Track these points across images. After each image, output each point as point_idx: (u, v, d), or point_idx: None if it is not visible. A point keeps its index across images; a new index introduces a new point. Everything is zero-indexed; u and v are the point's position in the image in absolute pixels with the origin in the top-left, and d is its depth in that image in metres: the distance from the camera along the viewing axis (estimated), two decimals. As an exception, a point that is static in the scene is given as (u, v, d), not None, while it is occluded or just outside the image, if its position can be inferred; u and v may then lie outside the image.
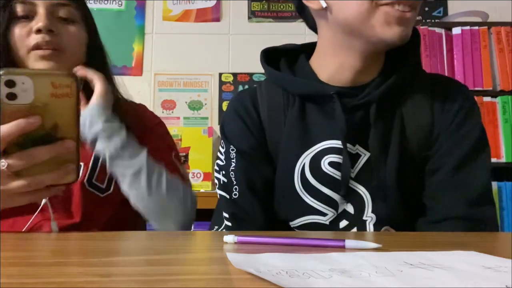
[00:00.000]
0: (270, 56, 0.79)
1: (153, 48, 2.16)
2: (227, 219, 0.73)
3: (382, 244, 0.42)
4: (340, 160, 0.69)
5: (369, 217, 0.70)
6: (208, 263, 0.39)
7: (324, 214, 0.70)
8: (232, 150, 0.75)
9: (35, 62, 0.76)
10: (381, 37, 0.65)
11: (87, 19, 0.84)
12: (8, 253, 0.41)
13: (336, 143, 0.70)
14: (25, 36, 0.76)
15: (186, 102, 2.12)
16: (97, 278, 0.30)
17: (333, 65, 0.72)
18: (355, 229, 0.69)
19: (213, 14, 2.17)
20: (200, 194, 1.73)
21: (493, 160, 1.78)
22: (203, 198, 1.69)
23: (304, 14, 0.77)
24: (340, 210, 0.70)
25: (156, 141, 0.87)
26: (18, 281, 0.29)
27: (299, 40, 0.85)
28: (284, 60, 0.78)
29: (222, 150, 0.77)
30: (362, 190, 0.70)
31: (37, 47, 0.76)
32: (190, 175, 1.86)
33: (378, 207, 0.69)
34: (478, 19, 1.93)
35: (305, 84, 0.73)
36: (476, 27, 1.85)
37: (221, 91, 2.13)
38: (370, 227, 0.69)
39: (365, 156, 0.70)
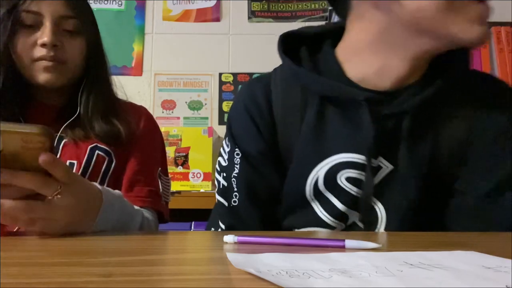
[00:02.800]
0: (289, 42, 0.68)
1: (153, 48, 2.16)
2: (223, 230, 0.67)
3: (382, 244, 0.42)
4: (359, 176, 0.62)
5: None
6: (208, 263, 0.38)
7: (332, 228, 0.64)
8: (238, 154, 0.68)
9: (38, 73, 0.78)
10: (461, 36, 0.55)
11: (91, 30, 0.84)
12: (8, 253, 0.41)
13: (357, 158, 0.61)
14: (30, 47, 0.77)
15: (186, 102, 2.12)
16: (97, 278, 0.30)
17: (372, 65, 0.62)
18: None
19: (213, 14, 2.17)
20: (200, 194, 1.75)
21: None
22: (203, 198, 1.70)
23: (337, 1, 0.68)
24: (349, 222, 0.64)
25: (144, 153, 0.87)
26: (18, 281, 0.29)
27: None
28: (305, 49, 0.68)
29: (227, 149, 0.70)
30: (377, 205, 0.63)
31: (41, 59, 0.77)
32: (190, 175, 1.86)
33: (393, 225, 0.62)
34: (478, 19, 1.92)
35: (329, 85, 0.62)
36: (476, 27, 1.85)
37: (221, 91, 2.13)
38: None
39: (386, 169, 0.62)
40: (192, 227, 1.68)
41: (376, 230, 0.64)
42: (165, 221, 0.88)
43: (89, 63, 0.84)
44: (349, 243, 0.43)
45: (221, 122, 2.11)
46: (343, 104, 0.63)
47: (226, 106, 2.12)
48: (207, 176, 1.87)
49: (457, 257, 0.37)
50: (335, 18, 1.81)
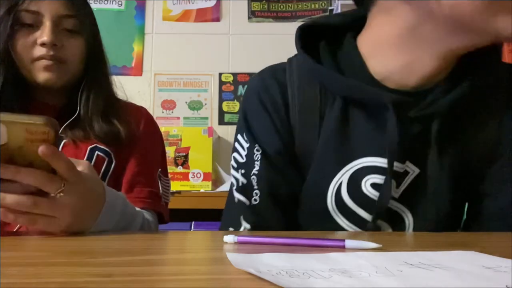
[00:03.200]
0: (306, 35, 0.64)
1: (153, 48, 2.16)
2: (249, 230, 0.64)
3: (382, 244, 0.42)
4: (383, 181, 0.58)
5: None
6: (208, 263, 0.38)
7: None
8: (258, 150, 0.64)
9: (38, 72, 0.78)
10: (505, 32, 0.50)
11: (91, 29, 0.84)
12: (8, 253, 0.41)
13: (383, 162, 0.58)
14: (30, 47, 0.77)
15: (186, 102, 2.12)
16: (97, 278, 0.30)
17: (398, 61, 0.58)
18: None
19: (213, 14, 2.17)
20: (200, 194, 1.75)
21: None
22: (203, 198, 1.70)
23: None
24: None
25: (144, 154, 0.87)
26: (18, 281, 0.29)
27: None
28: (324, 43, 0.63)
29: (245, 145, 0.66)
30: (404, 211, 0.60)
31: (41, 58, 0.77)
32: (190, 175, 1.86)
33: (419, 230, 0.60)
34: (478, 19, 1.92)
35: (353, 86, 0.59)
36: (476, 27, 1.84)
37: (221, 91, 2.13)
38: None
39: (413, 173, 0.59)
40: (192, 227, 1.68)
41: None
42: (165, 222, 0.88)
43: (89, 63, 0.84)
44: (349, 243, 0.43)
45: (221, 122, 2.11)
46: (367, 105, 0.60)
47: (226, 106, 2.12)
48: (207, 176, 1.87)
49: (457, 257, 0.37)
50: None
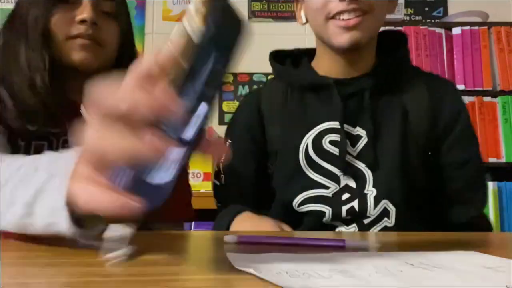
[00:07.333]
0: (278, 56, 0.88)
1: (153, 48, 2.16)
2: (217, 206, 0.85)
3: (382, 244, 0.42)
4: (339, 139, 0.77)
5: (370, 190, 0.76)
6: (208, 263, 0.39)
7: (326, 187, 0.77)
8: (227, 142, 0.84)
9: (73, 51, 0.74)
10: (334, 44, 0.76)
11: (125, 16, 0.82)
12: (8, 253, 0.41)
13: (335, 124, 0.78)
14: (67, 24, 0.73)
15: (186, 102, 2.12)
16: (97, 278, 0.30)
17: (325, 62, 0.83)
18: (356, 202, 0.75)
19: (213, 14, 2.17)
20: (200, 194, 1.74)
21: (493, 160, 1.77)
22: (203, 198, 1.68)
23: None
24: (342, 184, 0.77)
25: None
26: (18, 281, 0.29)
27: (299, 40, 0.90)
28: (289, 59, 0.87)
29: None
30: (363, 167, 0.77)
31: (77, 36, 0.73)
32: (190, 175, 1.86)
33: (378, 181, 0.76)
34: (478, 19, 1.92)
35: (306, 76, 0.83)
36: (476, 27, 1.85)
37: (221, 91, 2.13)
38: (370, 200, 0.75)
39: (366, 138, 0.78)
40: (192, 227, 1.68)
41: (366, 188, 0.76)
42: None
43: (122, 52, 0.80)
44: (349, 243, 0.43)
45: (221, 122, 2.11)
46: (318, 89, 0.81)
47: (226, 106, 2.12)
48: (207, 176, 1.87)
49: (457, 257, 0.37)
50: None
